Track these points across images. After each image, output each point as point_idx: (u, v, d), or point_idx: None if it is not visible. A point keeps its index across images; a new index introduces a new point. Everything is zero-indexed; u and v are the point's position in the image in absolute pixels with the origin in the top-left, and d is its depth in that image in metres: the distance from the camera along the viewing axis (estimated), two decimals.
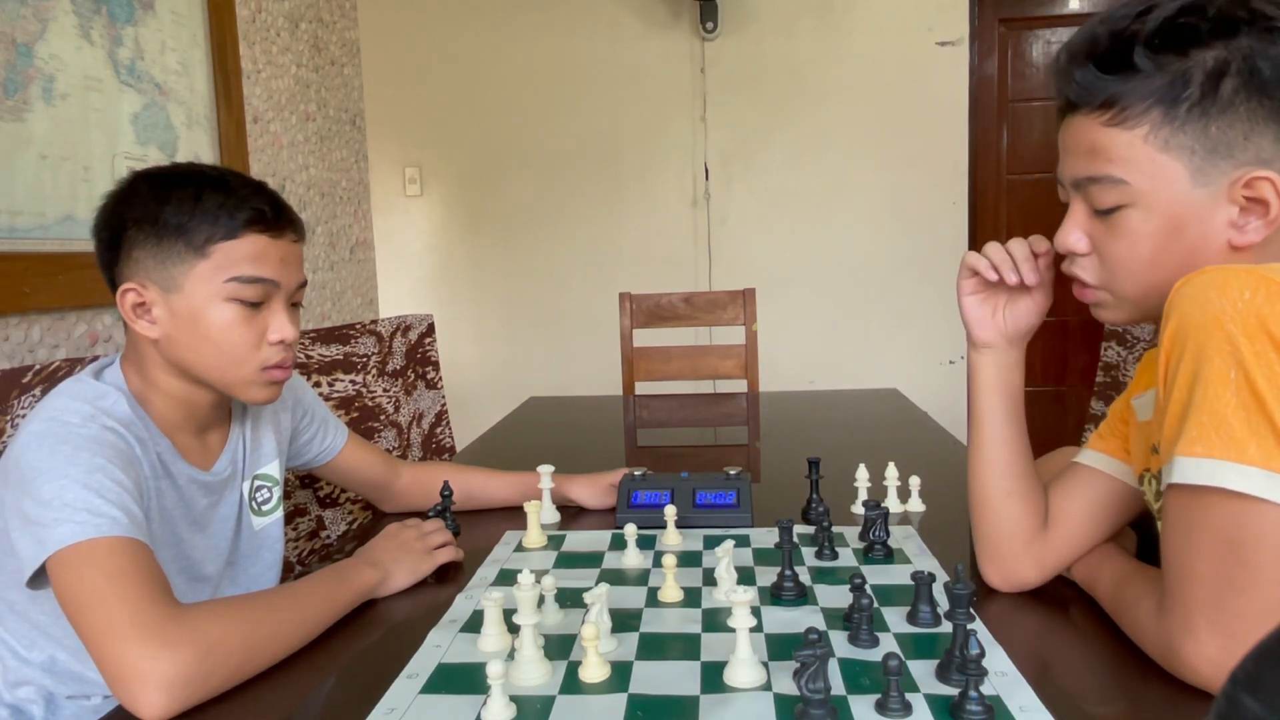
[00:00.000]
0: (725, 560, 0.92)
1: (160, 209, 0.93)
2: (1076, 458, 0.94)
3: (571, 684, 0.76)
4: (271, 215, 0.96)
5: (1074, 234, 0.82)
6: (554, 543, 1.14)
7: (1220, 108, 0.72)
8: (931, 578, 0.85)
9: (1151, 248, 0.76)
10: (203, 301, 0.93)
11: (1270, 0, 0.72)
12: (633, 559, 1.04)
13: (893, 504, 1.22)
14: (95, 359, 1.03)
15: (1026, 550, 0.91)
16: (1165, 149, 0.74)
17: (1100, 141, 0.77)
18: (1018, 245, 0.91)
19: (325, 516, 1.60)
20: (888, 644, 0.81)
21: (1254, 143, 0.72)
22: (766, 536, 1.11)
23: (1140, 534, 0.95)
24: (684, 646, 0.82)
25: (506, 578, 1.01)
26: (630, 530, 1.06)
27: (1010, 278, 0.90)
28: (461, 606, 0.94)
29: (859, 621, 0.81)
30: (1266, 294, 0.64)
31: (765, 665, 0.76)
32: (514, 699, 0.72)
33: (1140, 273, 0.78)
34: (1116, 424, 0.91)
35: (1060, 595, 0.92)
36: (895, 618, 0.86)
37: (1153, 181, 0.75)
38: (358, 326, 1.85)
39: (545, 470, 1.24)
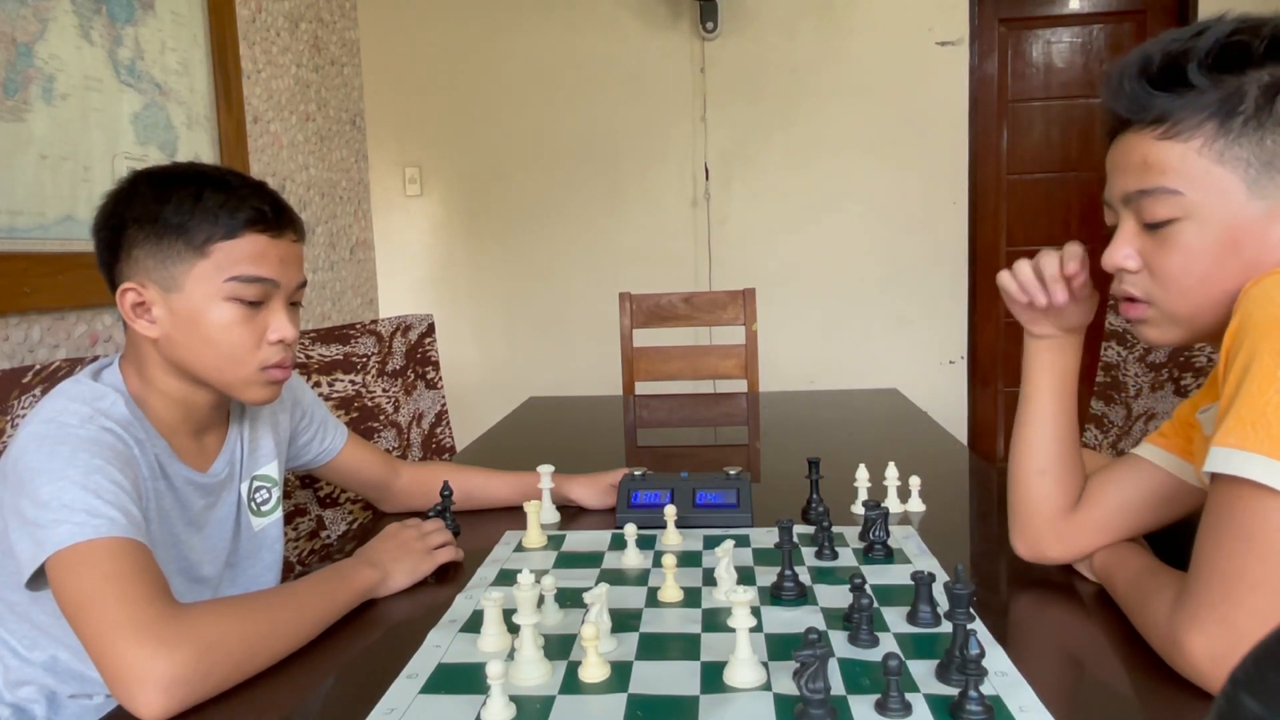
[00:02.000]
0: (725, 560, 0.92)
1: (160, 208, 0.93)
2: (1134, 449, 0.95)
3: (571, 684, 0.76)
4: (272, 215, 0.96)
5: (1123, 250, 0.81)
6: (554, 543, 1.14)
7: (1276, 121, 0.72)
8: (931, 578, 0.85)
9: (1207, 263, 0.76)
10: (202, 301, 0.93)
11: None
12: (633, 559, 1.04)
13: (893, 504, 1.22)
14: (95, 359, 1.03)
15: (1050, 527, 0.93)
16: (1220, 161, 0.74)
17: (1153, 155, 0.77)
18: (1049, 262, 0.89)
19: (325, 516, 1.60)
20: (888, 644, 0.81)
21: None
22: (766, 536, 1.11)
23: (1167, 545, 0.95)
24: (684, 646, 0.82)
25: (506, 578, 1.01)
26: (630, 530, 1.06)
27: (1039, 300, 0.90)
28: (461, 606, 0.94)
29: (859, 621, 0.81)
30: None
31: (765, 665, 0.76)
32: (514, 699, 0.72)
33: (1194, 289, 0.77)
34: (1181, 425, 0.91)
35: (1061, 595, 0.92)
36: (895, 618, 0.86)
37: (1208, 194, 0.74)
38: (358, 326, 1.85)
39: (545, 470, 1.24)
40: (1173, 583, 0.75)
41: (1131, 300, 0.83)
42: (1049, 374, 0.94)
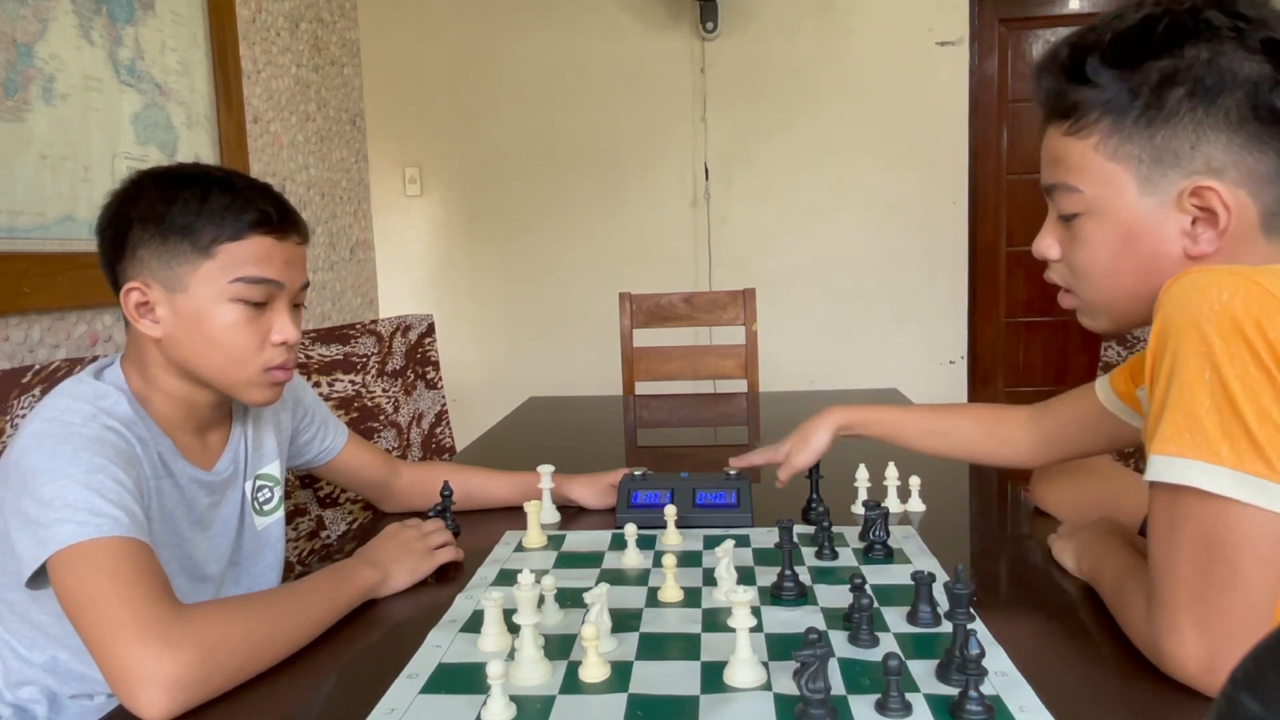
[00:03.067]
0: (725, 560, 0.92)
1: (167, 209, 0.93)
2: (1096, 381, 1.02)
3: (571, 684, 0.76)
4: (277, 217, 0.96)
5: (1045, 240, 0.85)
6: (554, 543, 1.14)
7: (1165, 117, 0.73)
8: (931, 578, 0.85)
9: (1107, 255, 0.78)
10: (207, 302, 0.93)
11: (1222, 11, 0.72)
12: (633, 559, 1.04)
13: (893, 504, 1.22)
14: (95, 359, 1.03)
15: (1002, 446, 1.09)
16: (1113, 158, 0.75)
17: (1060, 151, 0.79)
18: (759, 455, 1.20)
19: (325, 516, 1.60)
20: (888, 644, 0.81)
21: (1202, 151, 0.72)
22: (766, 536, 1.11)
23: None
24: (684, 646, 0.82)
25: (506, 578, 1.01)
26: (630, 530, 1.06)
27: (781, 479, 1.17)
28: (461, 606, 0.94)
29: (859, 621, 0.81)
30: (1245, 296, 0.64)
31: (765, 665, 0.76)
32: (514, 699, 0.72)
33: (1100, 279, 0.80)
34: (1139, 371, 0.94)
35: (1060, 595, 0.92)
36: (895, 618, 0.86)
37: (1104, 189, 0.77)
38: (358, 326, 1.85)
39: (545, 470, 1.24)
40: (1147, 586, 0.75)
41: (1064, 290, 0.86)
42: (866, 431, 1.16)
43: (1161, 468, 0.68)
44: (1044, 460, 1.08)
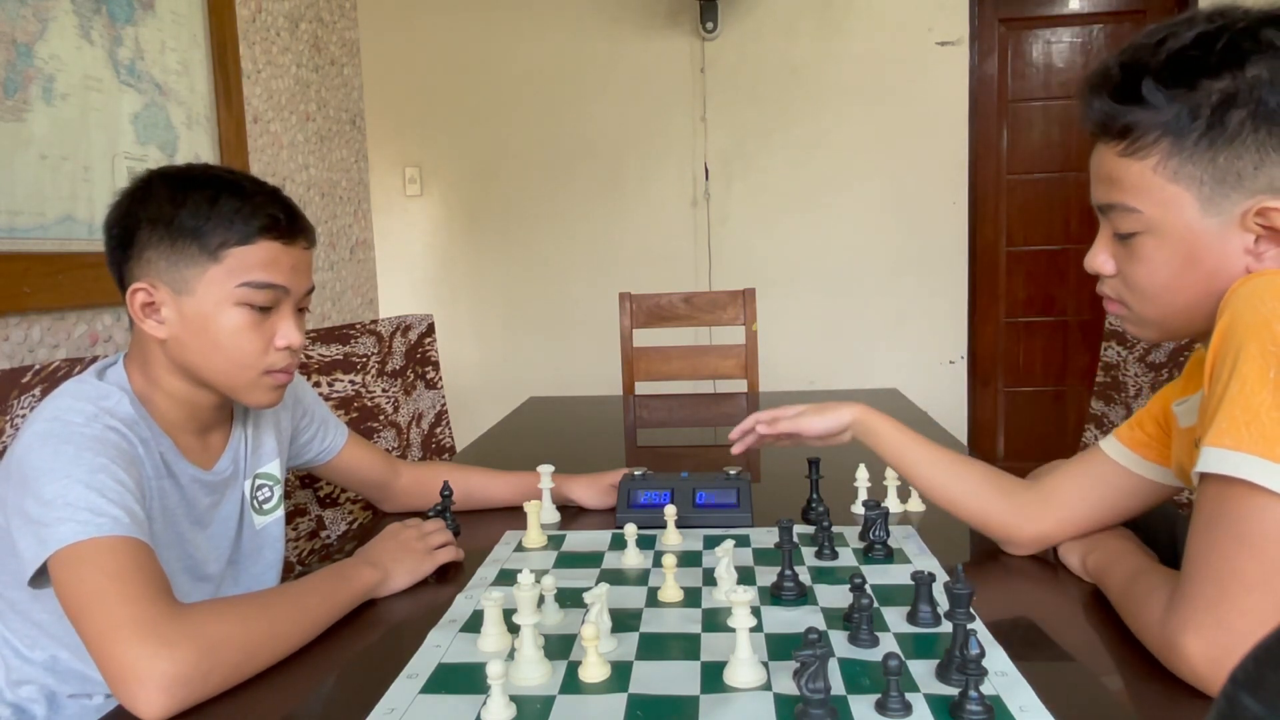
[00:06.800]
0: (725, 560, 0.92)
1: (176, 210, 0.93)
2: (1100, 442, 0.97)
3: (571, 684, 0.76)
4: (286, 222, 0.96)
5: (1100, 256, 0.84)
6: (554, 543, 1.14)
7: (1227, 139, 0.72)
8: (931, 578, 0.85)
9: (1167, 273, 0.78)
10: (213, 305, 0.93)
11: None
12: (633, 559, 1.04)
13: (893, 504, 1.22)
14: (96, 359, 1.03)
15: (1007, 521, 0.99)
16: (1175, 179, 0.75)
17: (1115, 171, 0.78)
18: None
19: (325, 516, 1.60)
20: (888, 644, 0.81)
21: (1265, 172, 0.72)
22: (766, 536, 1.11)
23: (1162, 539, 0.96)
24: (684, 646, 0.82)
25: (506, 578, 1.01)
26: (630, 530, 1.06)
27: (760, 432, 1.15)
28: (461, 606, 0.94)
29: (859, 621, 0.81)
30: None
31: (765, 665, 0.76)
32: (514, 699, 0.72)
33: (1158, 296, 0.80)
34: (1148, 421, 0.92)
35: (1061, 595, 0.92)
36: (895, 618, 0.86)
37: (1164, 210, 0.76)
38: (358, 326, 1.85)
39: (545, 470, 1.24)
40: (1164, 584, 0.76)
41: (1113, 301, 0.86)
42: (876, 440, 1.08)
43: (1213, 460, 0.67)
44: (1054, 540, 0.99)
